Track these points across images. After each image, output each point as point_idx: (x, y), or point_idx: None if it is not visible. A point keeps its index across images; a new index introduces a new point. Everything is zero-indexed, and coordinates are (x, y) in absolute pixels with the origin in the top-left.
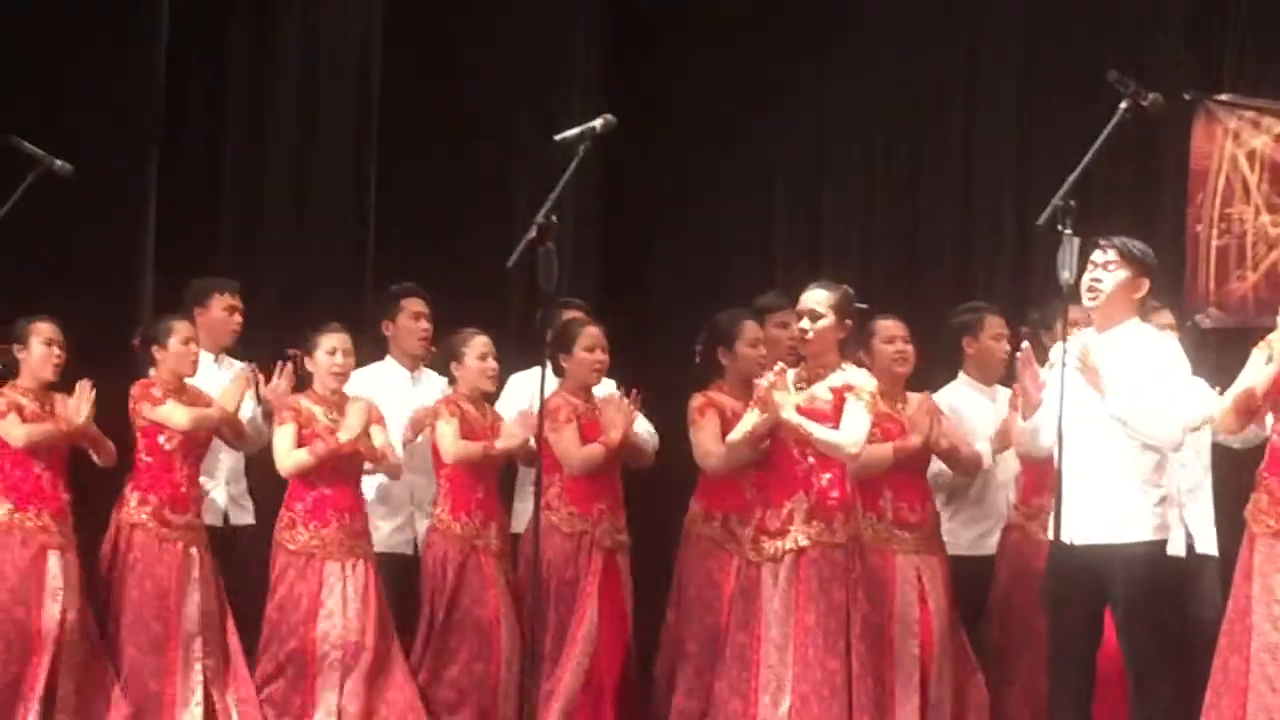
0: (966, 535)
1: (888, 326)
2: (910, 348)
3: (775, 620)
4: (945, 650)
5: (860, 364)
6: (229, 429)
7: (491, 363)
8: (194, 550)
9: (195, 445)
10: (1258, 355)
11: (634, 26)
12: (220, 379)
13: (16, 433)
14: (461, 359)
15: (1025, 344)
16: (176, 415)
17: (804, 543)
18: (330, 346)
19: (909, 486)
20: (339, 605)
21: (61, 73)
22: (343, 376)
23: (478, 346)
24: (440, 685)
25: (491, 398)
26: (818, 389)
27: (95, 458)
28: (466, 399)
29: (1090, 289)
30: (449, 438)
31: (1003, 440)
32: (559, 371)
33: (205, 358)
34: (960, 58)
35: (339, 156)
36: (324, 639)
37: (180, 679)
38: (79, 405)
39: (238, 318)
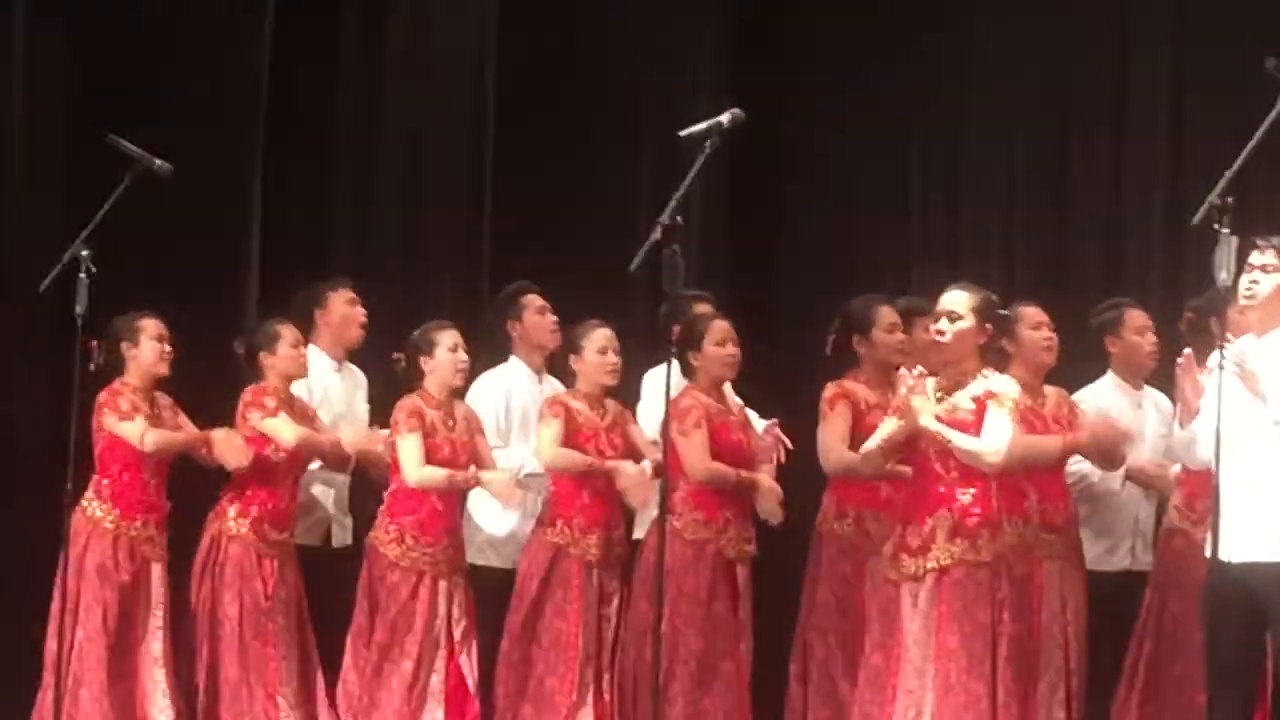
0: (1094, 549)
1: (1033, 313)
2: (1055, 336)
3: (915, 642)
4: (1082, 667)
5: (999, 367)
6: (335, 459)
7: (612, 357)
8: (287, 570)
9: (300, 462)
10: None
11: (762, 13)
12: (339, 385)
13: (148, 438)
14: (581, 352)
15: (1187, 350)
16: (285, 431)
17: (947, 562)
18: (451, 343)
19: (1053, 486)
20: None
21: (162, 71)
22: (465, 374)
23: (598, 340)
24: (523, 700)
25: (613, 392)
26: (959, 398)
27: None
28: (583, 396)
29: (1248, 291)
30: (547, 442)
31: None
32: (687, 370)
33: (327, 364)
34: (1112, 44)
35: (454, 153)
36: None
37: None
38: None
39: (360, 310)
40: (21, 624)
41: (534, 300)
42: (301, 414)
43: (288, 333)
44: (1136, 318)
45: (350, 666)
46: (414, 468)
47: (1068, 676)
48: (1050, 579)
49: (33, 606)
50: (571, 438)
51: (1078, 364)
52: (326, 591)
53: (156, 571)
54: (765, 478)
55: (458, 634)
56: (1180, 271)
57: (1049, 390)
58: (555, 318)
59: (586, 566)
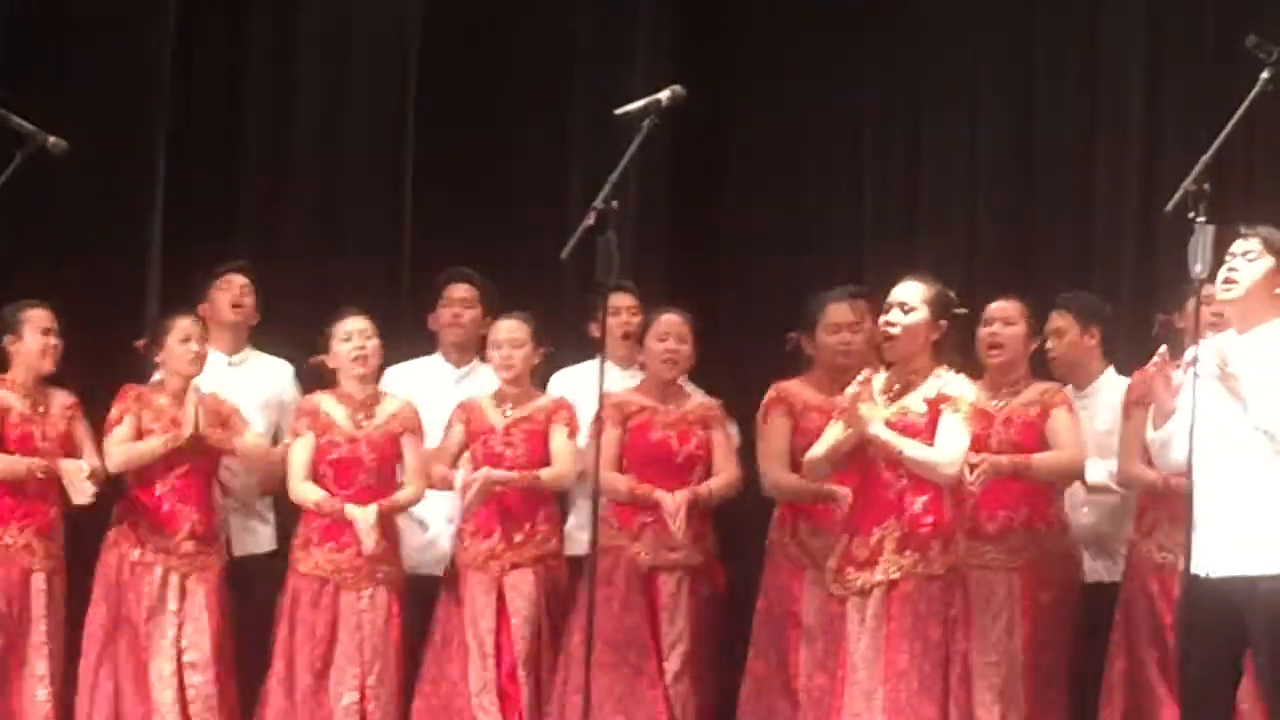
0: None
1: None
2: (1009, 330)
3: (862, 662)
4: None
5: (955, 366)
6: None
7: (507, 350)
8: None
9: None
10: None
11: None
12: (235, 379)
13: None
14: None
15: (1163, 347)
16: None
17: (896, 575)
18: (346, 332)
19: (995, 492)
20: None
21: (63, 42)
22: (365, 361)
23: (496, 332)
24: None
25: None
26: (910, 399)
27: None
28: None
29: (1227, 280)
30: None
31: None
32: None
33: (219, 358)
34: (1082, 16)
35: (371, 129)
36: None
37: None
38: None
39: (238, 300)
40: None
41: (457, 291)
42: (214, 413)
43: (179, 326)
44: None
45: None
46: None
47: (1004, 694)
48: (980, 589)
49: None
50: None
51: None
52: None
53: (37, 582)
54: (667, 498)
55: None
56: (1153, 261)
57: (1034, 388)
58: (468, 311)
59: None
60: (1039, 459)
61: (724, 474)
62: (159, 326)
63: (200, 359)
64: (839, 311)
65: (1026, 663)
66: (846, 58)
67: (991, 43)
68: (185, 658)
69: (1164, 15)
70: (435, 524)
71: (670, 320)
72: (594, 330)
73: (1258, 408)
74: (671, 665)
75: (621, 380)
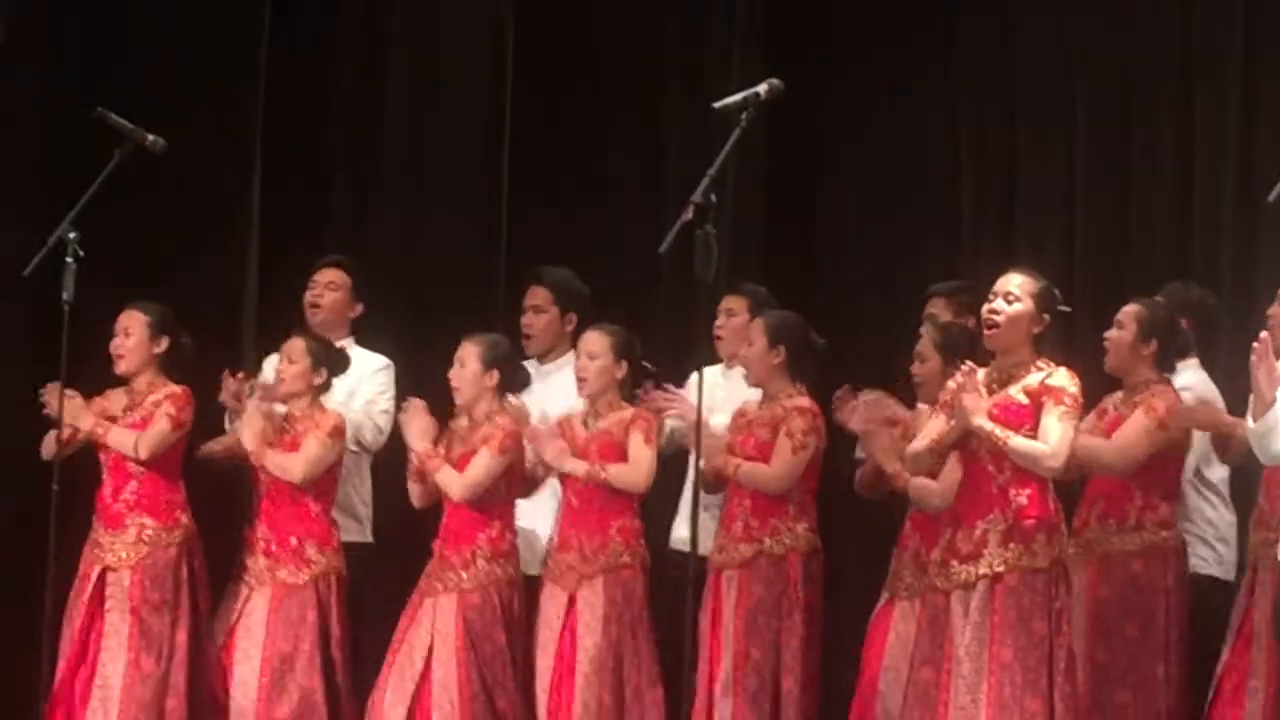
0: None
1: None
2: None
3: (967, 655)
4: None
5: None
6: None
7: (583, 360)
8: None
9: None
10: None
11: None
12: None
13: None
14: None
15: (1263, 334)
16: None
17: (1000, 568)
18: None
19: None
20: None
21: (157, 42)
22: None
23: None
24: None
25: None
26: (1013, 390)
27: None
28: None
29: None
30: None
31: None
32: None
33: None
34: (1176, 13)
35: (465, 127)
36: None
37: None
38: None
39: (319, 293)
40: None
41: (530, 297)
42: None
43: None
44: None
45: None
46: None
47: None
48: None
49: None
50: None
51: None
52: None
53: None
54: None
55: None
56: (1253, 254)
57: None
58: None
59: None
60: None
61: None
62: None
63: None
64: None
65: (1088, 658)
66: (943, 51)
67: (1086, 33)
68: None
69: (1259, 11)
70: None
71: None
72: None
73: None
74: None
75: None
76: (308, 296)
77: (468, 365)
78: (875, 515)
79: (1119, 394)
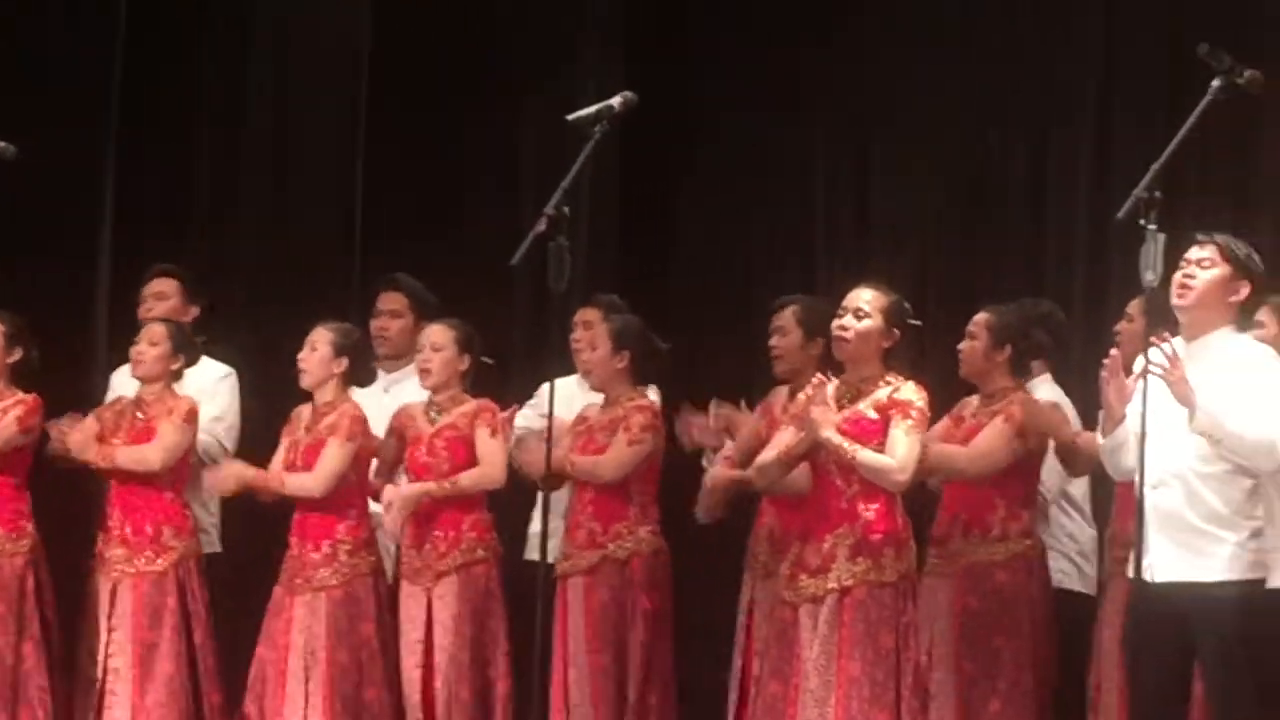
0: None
1: None
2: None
3: (815, 669)
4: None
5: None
6: None
7: (426, 353)
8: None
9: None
10: None
11: None
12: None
13: None
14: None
15: (1114, 351)
16: None
17: (848, 582)
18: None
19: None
20: None
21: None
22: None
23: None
24: None
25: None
26: (862, 405)
27: None
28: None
29: (1182, 286)
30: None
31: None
32: None
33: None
34: (1032, 27)
35: (321, 138)
36: None
37: None
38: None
39: (147, 310)
40: None
41: (385, 301)
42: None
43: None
44: None
45: None
46: None
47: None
48: (923, 596)
49: None
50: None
51: None
52: None
53: None
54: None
55: None
56: (1105, 270)
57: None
58: (388, 323)
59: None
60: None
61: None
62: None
63: (138, 362)
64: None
65: (955, 669)
66: (799, 64)
67: (943, 52)
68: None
69: (1117, 25)
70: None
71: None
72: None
73: (1201, 413)
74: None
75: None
76: (139, 312)
77: (319, 349)
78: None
79: (975, 399)
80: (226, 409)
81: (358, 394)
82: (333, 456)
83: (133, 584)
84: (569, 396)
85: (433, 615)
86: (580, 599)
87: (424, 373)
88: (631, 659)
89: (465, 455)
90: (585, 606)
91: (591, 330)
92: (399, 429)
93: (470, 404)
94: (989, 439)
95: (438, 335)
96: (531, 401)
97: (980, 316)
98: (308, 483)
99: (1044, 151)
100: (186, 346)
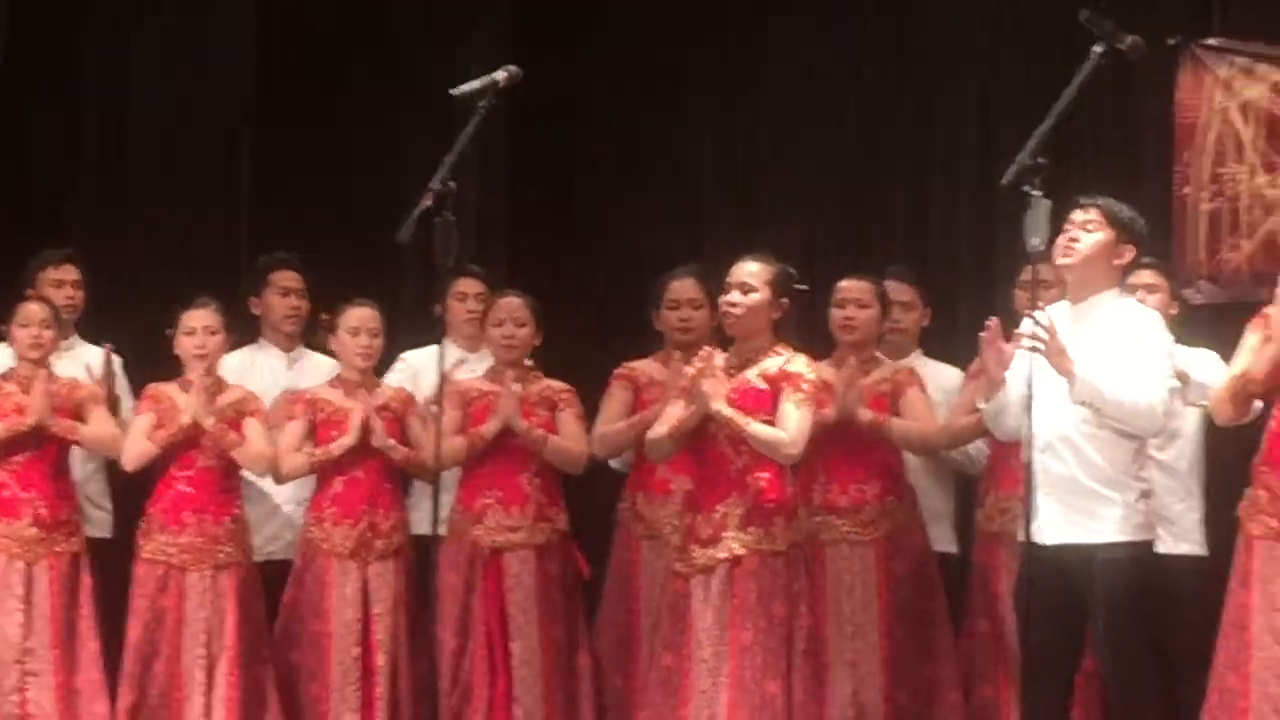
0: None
1: (841, 288)
2: (865, 313)
3: (707, 639)
4: (875, 655)
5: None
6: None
7: (365, 339)
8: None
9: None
10: (1252, 335)
11: None
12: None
13: None
14: (335, 333)
15: (993, 318)
16: None
17: (740, 551)
18: (189, 326)
19: (846, 465)
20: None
21: None
22: (204, 358)
23: (350, 319)
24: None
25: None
26: (750, 375)
27: None
28: (340, 383)
29: (1066, 249)
30: (283, 446)
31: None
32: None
33: None
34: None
35: (208, 109)
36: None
37: None
38: None
39: (69, 293)
40: None
41: (280, 279)
42: (67, 399)
43: (20, 311)
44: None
45: None
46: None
47: (859, 667)
48: (834, 565)
49: None
50: (316, 431)
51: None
52: None
53: None
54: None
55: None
56: (990, 236)
57: (886, 367)
58: (299, 302)
59: (340, 562)
60: (897, 421)
61: (566, 438)
62: (6, 313)
63: (40, 345)
64: (681, 288)
65: (884, 634)
66: (688, 38)
67: (831, 27)
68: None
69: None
70: (287, 508)
71: (508, 304)
72: (438, 312)
73: (1079, 381)
74: (516, 646)
75: (469, 365)
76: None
77: (219, 334)
78: None
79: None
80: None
81: (260, 370)
82: (260, 433)
83: (49, 565)
84: (428, 366)
85: (370, 594)
86: (529, 574)
87: (366, 356)
88: (579, 628)
89: (396, 437)
90: (537, 580)
91: (468, 301)
92: (306, 412)
93: (388, 389)
94: (928, 408)
95: (374, 320)
96: (397, 367)
97: (867, 285)
98: (255, 461)
99: (929, 119)
100: (60, 324)
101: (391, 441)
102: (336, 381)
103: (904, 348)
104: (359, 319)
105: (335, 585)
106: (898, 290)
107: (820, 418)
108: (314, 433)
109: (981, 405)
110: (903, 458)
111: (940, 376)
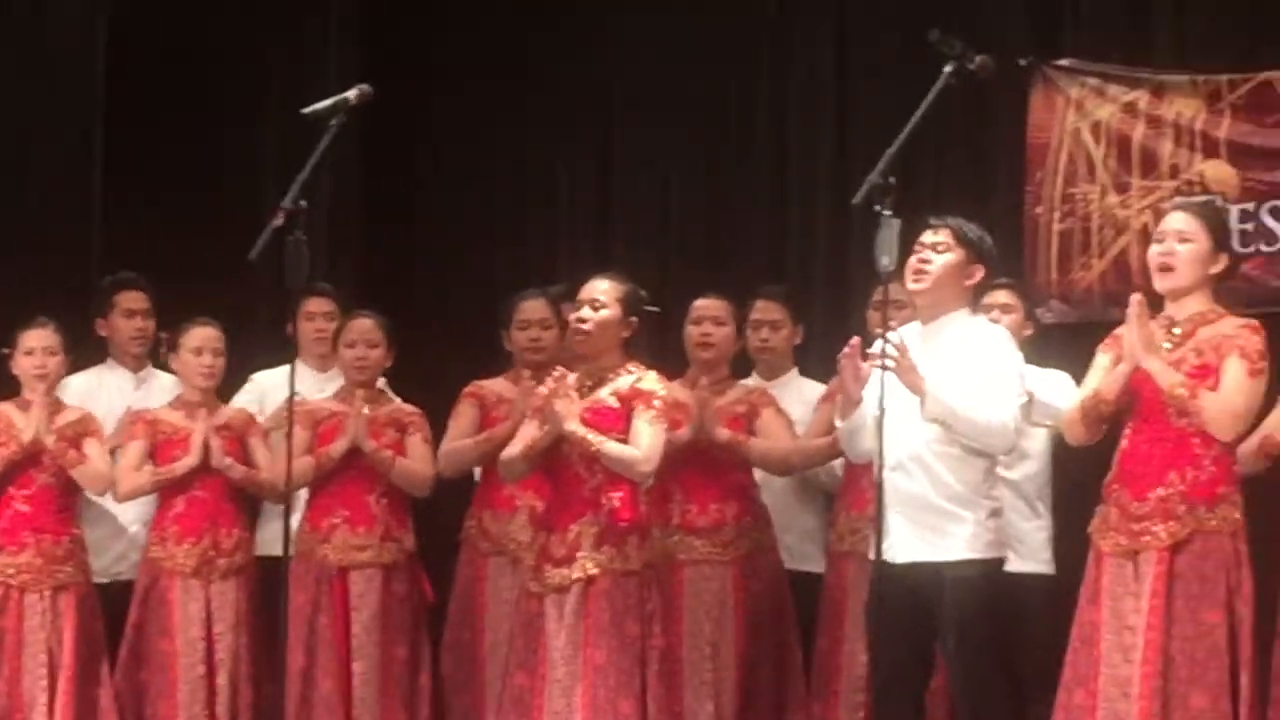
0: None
1: (698, 306)
2: (721, 331)
3: (561, 659)
4: (732, 675)
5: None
6: None
7: (208, 359)
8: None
9: None
10: (1103, 356)
11: None
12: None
13: None
14: (177, 352)
15: (855, 339)
16: None
17: (593, 571)
18: (28, 346)
19: (703, 485)
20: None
21: None
22: (44, 378)
23: (193, 339)
24: None
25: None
26: (603, 394)
27: None
28: (181, 404)
29: (917, 271)
30: (122, 469)
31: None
32: None
33: None
34: (768, 17)
35: (61, 132)
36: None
37: None
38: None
39: (140, 324)
40: None
41: (125, 299)
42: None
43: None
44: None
45: None
46: None
47: (716, 686)
48: (693, 585)
49: None
50: (157, 451)
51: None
52: None
53: None
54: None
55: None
56: (846, 256)
57: (740, 387)
58: (145, 323)
59: (184, 580)
60: (755, 441)
61: (413, 461)
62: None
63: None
64: (530, 309)
65: (740, 654)
66: (542, 57)
67: (684, 49)
68: None
69: (853, 12)
70: (134, 529)
71: (360, 325)
72: (289, 331)
73: (931, 400)
74: (358, 666)
75: (318, 385)
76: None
77: (58, 354)
78: None
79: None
80: None
81: (107, 390)
82: (101, 452)
83: (52, 594)
84: (278, 386)
85: (212, 612)
86: (376, 591)
87: (209, 375)
88: (423, 649)
89: (238, 458)
90: (381, 599)
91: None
92: (146, 435)
93: (229, 409)
94: (785, 429)
95: (217, 340)
96: (246, 388)
97: (724, 304)
98: (96, 480)
99: (783, 139)
100: None
101: (229, 461)
102: (178, 402)
103: (779, 367)
104: (201, 338)
105: (179, 604)
106: (768, 309)
107: (674, 437)
108: (155, 453)
109: (839, 424)
110: (755, 478)
111: (814, 395)
